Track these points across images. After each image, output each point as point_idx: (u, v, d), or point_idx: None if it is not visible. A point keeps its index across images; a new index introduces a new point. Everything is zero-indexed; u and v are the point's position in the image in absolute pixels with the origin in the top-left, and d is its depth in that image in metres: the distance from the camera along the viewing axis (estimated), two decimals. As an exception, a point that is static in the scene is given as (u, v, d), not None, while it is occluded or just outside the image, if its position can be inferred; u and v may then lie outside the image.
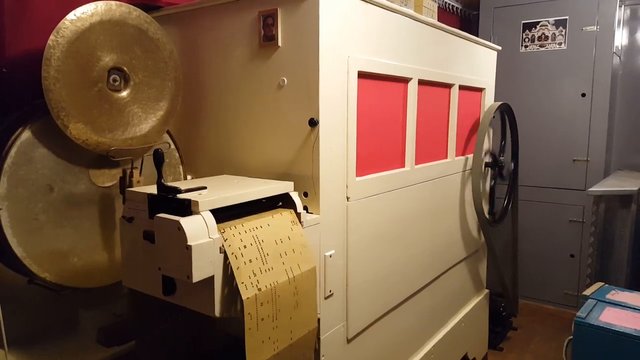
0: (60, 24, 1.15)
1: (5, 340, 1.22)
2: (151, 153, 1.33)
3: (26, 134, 1.18)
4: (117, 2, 1.26)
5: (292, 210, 1.18)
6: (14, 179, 1.16)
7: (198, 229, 0.95)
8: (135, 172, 1.31)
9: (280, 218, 1.14)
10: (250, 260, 1.01)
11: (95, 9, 1.21)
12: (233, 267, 0.98)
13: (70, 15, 1.17)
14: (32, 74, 1.23)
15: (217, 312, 0.99)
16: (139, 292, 1.13)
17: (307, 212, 1.26)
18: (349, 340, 1.44)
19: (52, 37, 1.14)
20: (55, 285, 1.25)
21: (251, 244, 1.03)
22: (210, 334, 1.37)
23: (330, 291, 1.32)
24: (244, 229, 1.04)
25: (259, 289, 1.01)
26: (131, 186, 1.29)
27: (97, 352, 1.36)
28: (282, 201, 1.20)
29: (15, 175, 1.16)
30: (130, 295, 1.25)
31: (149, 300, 1.13)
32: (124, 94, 1.30)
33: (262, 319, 1.01)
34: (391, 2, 1.48)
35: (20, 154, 1.17)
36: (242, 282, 0.98)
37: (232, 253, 0.99)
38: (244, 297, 0.97)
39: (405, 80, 1.60)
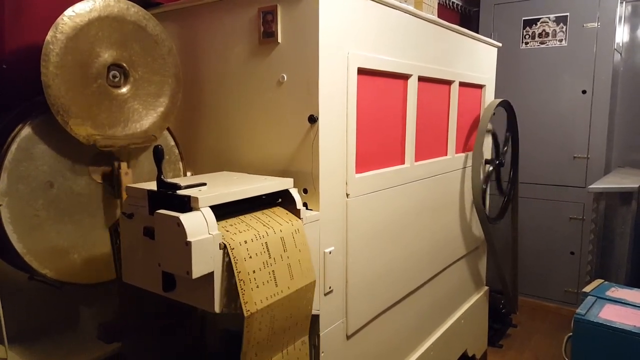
0: (58, 20, 1.15)
1: (5, 336, 1.22)
2: (139, 145, 1.34)
3: (26, 131, 1.19)
4: (116, -1, 1.25)
5: (292, 208, 1.18)
6: (15, 175, 1.16)
7: (198, 225, 0.95)
8: (124, 165, 1.31)
9: (280, 213, 1.14)
10: (253, 264, 1.02)
11: (94, 5, 1.21)
12: (234, 270, 0.98)
13: (69, 11, 1.17)
14: (32, 70, 1.23)
15: (216, 308, 0.99)
16: (130, 289, 1.13)
17: (307, 208, 1.26)
18: (348, 337, 1.44)
19: (50, 32, 1.14)
20: (55, 281, 1.25)
21: (252, 242, 1.04)
22: (209, 330, 1.37)
23: (329, 287, 1.33)
24: (243, 226, 1.04)
25: (260, 301, 1.01)
26: (119, 178, 1.29)
27: (98, 349, 1.36)
28: (282, 198, 1.21)
29: (15, 171, 1.16)
30: (121, 293, 1.25)
31: (141, 297, 1.14)
32: (124, 90, 1.29)
33: (254, 271, 1.02)
34: (391, -2, 1.48)
35: (20, 150, 1.17)
36: (242, 283, 0.98)
37: (234, 255, 0.99)
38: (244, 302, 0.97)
39: (405, 77, 1.60)
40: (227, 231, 1.01)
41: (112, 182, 1.32)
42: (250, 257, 1.01)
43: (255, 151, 1.37)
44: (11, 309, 1.24)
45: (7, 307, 1.21)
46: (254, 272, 1.01)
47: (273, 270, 1.05)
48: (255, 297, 1.00)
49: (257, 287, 1.01)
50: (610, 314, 1.60)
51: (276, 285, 1.05)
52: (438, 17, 1.87)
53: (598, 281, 1.89)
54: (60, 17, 1.15)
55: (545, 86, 3.07)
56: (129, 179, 1.33)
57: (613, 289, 1.81)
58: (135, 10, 1.29)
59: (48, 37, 1.13)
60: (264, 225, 1.08)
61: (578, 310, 1.61)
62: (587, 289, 1.81)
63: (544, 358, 2.59)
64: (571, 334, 1.60)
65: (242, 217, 1.09)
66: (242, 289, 0.98)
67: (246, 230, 1.04)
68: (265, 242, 1.06)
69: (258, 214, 1.12)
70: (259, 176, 1.28)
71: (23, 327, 1.37)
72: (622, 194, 2.42)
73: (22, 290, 1.35)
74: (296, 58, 1.24)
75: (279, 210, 1.18)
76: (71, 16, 1.17)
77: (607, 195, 2.50)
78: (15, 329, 1.30)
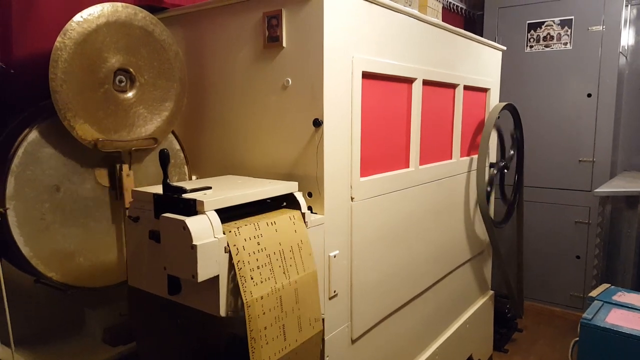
0: (67, 26, 1.16)
1: (12, 339, 1.23)
2: (141, 147, 1.34)
3: (33, 135, 1.20)
4: (123, 4, 1.27)
5: (298, 212, 1.18)
6: (21, 179, 1.17)
7: (203, 228, 0.96)
8: (125, 166, 1.31)
9: (285, 219, 1.14)
10: (256, 267, 1.02)
11: (102, 11, 1.22)
12: (237, 273, 0.98)
13: (77, 17, 1.18)
14: (39, 75, 1.24)
15: (222, 311, 1.00)
16: (139, 292, 1.13)
17: (312, 212, 1.26)
18: (353, 341, 1.44)
19: (59, 38, 1.15)
20: (61, 284, 1.26)
21: (256, 246, 1.04)
22: (215, 333, 1.37)
23: (334, 291, 1.32)
24: (248, 229, 1.04)
25: (261, 297, 1.01)
26: (121, 180, 1.30)
27: (103, 352, 1.36)
28: (287, 201, 1.21)
29: (22, 175, 1.17)
30: (130, 296, 1.25)
31: (150, 300, 1.14)
32: (130, 94, 1.30)
33: (265, 327, 1.02)
34: (395, 2, 1.48)
35: (27, 154, 1.18)
36: (244, 286, 0.99)
37: (238, 258, 0.99)
38: (245, 300, 0.97)
39: (409, 81, 1.60)
40: (231, 237, 1.01)
41: (113, 183, 1.33)
42: (264, 313, 1.02)
43: (260, 155, 1.38)
44: (17, 312, 1.25)
45: (13, 310, 1.21)
46: (265, 328, 1.02)
47: (283, 325, 1.06)
48: (264, 355, 1.01)
49: (267, 343, 1.02)
50: (617, 319, 1.58)
51: (285, 340, 1.06)
52: (442, 20, 1.87)
53: (604, 285, 1.87)
54: (69, 23, 1.16)
55: (550, 90, 3.06)
56: (130, 180, 1.34)
57: (620, 293, 1.79)
58: (142, 15, 1.30)
59: (57, 43, 1.14)
60: (269, 230, 1.08)
61: (584, 315, 1.60)
62: (594, 293, 1.79)
63: (550, 363, 2.57)
64: (577, 338, 1.59)
65: (247, 220, 1.09)
66: (252, 346, 0.99)
67: (251, 237, 1.04)
68: (280, 296, 1.06)
69: (264, 217, 1.11)
70: (264, 180, 1.28)
71: (29, 330, 1.38)
72: (629, 198, 2.41)
73: (28, 293, 1.36)
74: (301, 62, 1.25)
75: (284, 213, 1.18)
76: (79, 22, 1.18)
77: (613, 199, 2.48)
78: (21, 332, 1.31)
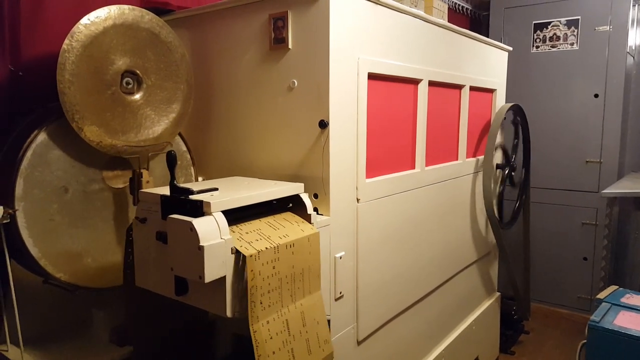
0: (74, 28, 1.17)
1: (21, 339, 1.24)
2: (161, 152, 1.35)
3: (42, 137, 1.21)
4: (130, 6, 1.28)
5: (317, 232, 1.16)
6: (30, 180, 1.18)
7: (210, 229, 0.96)
8: (145, 172, 1.32)
9: (303, 241, 1.12)
10: (267, 291, 1.01)
11: (109, 13, 1.23)
12: (248, 297, 0.98)
13: (84, 20, 1.19)
14: (47, 78, 1.25)
15: (228, 312, 1.00)
16: (139, 293, 1.13)
17: (317, 213, 1.26)
18: (359, 342, 1.43)
19: (66, 41, 1.16)
20: (69, 285, 1.27)
21: (272, 270, 1.02)
22: (219, 334, 1.38)
23: (340, 293, 1.32)
24: (268, 253, 1.02)
25: (267, 321, 1.01)
26: (141, 186, 1.31)
27: (110, 352, 1.37)
28: (292, 202, 1.21)
29: (31, 176, 1.19)
30: (127, 298, 1.25)
31: (150, 301, 1.14)
32: (137, 96, 1.31)
33: (274, 352, 1.00)
34: (401, 3, 1.48)
35: (36, 155, 1.19)
36: (252, 311, 0.98)
37: (253, 284, 0.98)
38: (246, 255, 0.96)
39: (415, 82, 1.60)
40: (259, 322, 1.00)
41: (132, 189, 1.33)
42: (271, 338, 1.01)
43: (266, 156, 1.38)
44: (26, 312, 1.26)
45: (22, 311, 1.23)
46: (273, 352, 1.01)
47: (292, 348, 1.05)
48: None
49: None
50: (625, 321, 1.57)
51: None
52: (448, 21, 1.87)
53: (612, 287, 1.86)
54: (76, 25, 1.17)
55: (557, 90, 3.04)
56: (149, 186, 1.34)
57: (628, 295, 1.78)
58: (149, 17, 1.31)
59: (64, 46, 1.15)
60: (277, 233, 1.09)
61: (592, 317, 1.59)
62: (601, 295, 1.78)
63: (557, 365, 2.55)
64: (585, 341, 1.58)
65: (253, 223, 1.09)
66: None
67: (257, 239, 1.04)
68: (286, 319, 1.05)
69: (268, 226, 1.11)
70: (270, 181, 1.28)
71: (37, 329, 1.39)
72: (636, 199, 2.39)
73: (37, 293, 1.37)
74: (307, 64, 1.25)
75: (290, 216, 1.18)
76: (87, 24, 1.19)
77: (621, 200, 2.46)
78: (30, 332, 1.32)
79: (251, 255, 0.98)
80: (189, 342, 1.32)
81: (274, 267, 1.03)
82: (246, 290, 0.99)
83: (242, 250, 0.98)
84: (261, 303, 1.00)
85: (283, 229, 1.10)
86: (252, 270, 0.98)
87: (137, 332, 1.28)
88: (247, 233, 1.04)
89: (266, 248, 1.02)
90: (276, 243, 1.04)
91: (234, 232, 1.02)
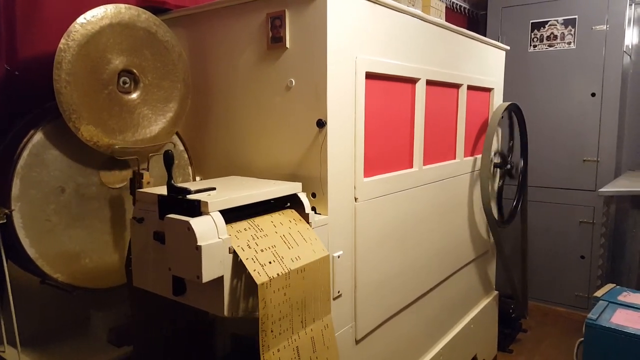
0: (70, 28, 1.17)
1: (18, 340, 1.23)
2: (158, 153, 1.35)
3: (38, 136, 1.20)
4: (127, 5, 1.27)
5: (328, 255, 1.14)
6: (27, 180, 1.18)
7: (208, 229, 0.96)
8: (145, 174, 1.32)
9: (315, 265, 1.10)
10: (278, 319, 0.98)
11: (105, 12, 1.22)
12: (242, 258, 0.96)
13: (81, 19, 1.18)
14: (44, 77, 1.24)
15: (226, 312, 1.00)
16: (141, 293, 1.13)
17: (315, 212, 1.26)
18: (357, 341, 1.43)
19: (62, 40, 1.15)
20: (67, 285, 1.27)
21: (283, 297, 1.00)
22: (218, 334, 1.38)
23: (338, 292, 1.32)
24: (280, 280, 1.00)
25: (278, 349, 0.98)
26: (141, 187, 1.30)
27: (108, 352, 1.37)
28: (290, 202, 1.21)
29: (27, 177, 1.18)
30: (131, 297, 1.25)
31: (152, 301, 1.14)
32: (134, 96, 1.31)
33: (277, 309, 0.98)
34: (399, 2, 1.48)
35: (32, 156, 1.19)
36: (254, 270, 0.96)
37: (264, 312, 0.96)
38: (258, 283, 0.95)
39: (413, 81, 1.60)
40: (234, 232, 1.00)
41: (132, 190, 1.32)
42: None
43: (264, 156, 1.38)
44: (23, 312, 1.26)
45: (19, 311, 1.22)
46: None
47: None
48: None
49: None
50: (622, 319, 1.58)
51: None
52: (446, 20, 1.87)
53: (609, 285, 1.87)
54: (73, 24, 1.17)
55: (554, 89, 3.05)
56: (150, 187, 1.33)
57: (625, 293, 1.79)
58: (146, 16, 1.31)
59: (60, 45, 1.15)
60: (270, 227, 1.08)
61: (589, 315, 1.59)
62: (599, 293, 1.79)
63: (555, 363, 2.56)
64: (582, 339, 1.59)
65: (251, 221, 1.08)
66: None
67: (253, 231, 1.04)
68: (297, 347, 1.03)
69: (267, 227, 1.10)
70: (268, 180, 1.28)
71: (35, 330, 1.39)
72: (633, 197, 2.40)
73: (34, 294, 1.36)
74: (304, 63, 1.25)
75: (290, 213, 1.18)
76: (83, 24, 1.18)
77: (618, 199, 2.47)
78: (27, 333, 1.32)
79: (263, 284, 0.95)
80: (189, 342, 1.32)
81: (285, 294, 1.00)
82: (244, 290, 0.99)
83: (254, 275, 0.95)
84: (272, 331, 0.97)
85: (296, 248, 1.07)
86: (263, 299, 0.95)
87: (137, 332, 1.28)
88: (271, 279, 1.01)
89: (278, 275, 0.99)
90: (288, 268, 1.01)
91: (239, 232, 1.01)
